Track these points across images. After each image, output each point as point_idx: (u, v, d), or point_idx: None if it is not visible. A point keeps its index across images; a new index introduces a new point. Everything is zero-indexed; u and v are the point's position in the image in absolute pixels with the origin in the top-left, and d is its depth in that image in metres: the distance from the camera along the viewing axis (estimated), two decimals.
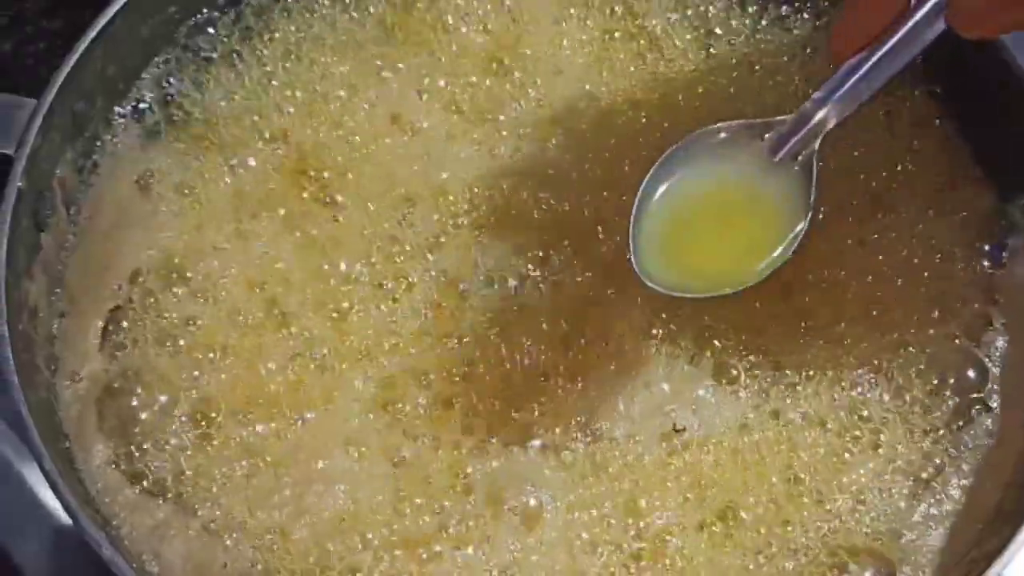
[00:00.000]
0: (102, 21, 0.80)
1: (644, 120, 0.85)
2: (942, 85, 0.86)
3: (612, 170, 0.84)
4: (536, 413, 0.78)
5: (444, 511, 0.75)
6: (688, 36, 0.88)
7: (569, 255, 0.82)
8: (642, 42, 0.88)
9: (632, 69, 0.87)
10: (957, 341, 0.81)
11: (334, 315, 0.80)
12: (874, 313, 0.81)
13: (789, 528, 0.76)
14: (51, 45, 1.00)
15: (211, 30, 0.88)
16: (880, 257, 0.82)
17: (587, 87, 0.87)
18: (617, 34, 0.88)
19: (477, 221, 0.83)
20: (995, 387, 0.80)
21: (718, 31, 0.88)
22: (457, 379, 0.79)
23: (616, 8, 0.89)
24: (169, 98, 0.86)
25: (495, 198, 0.83)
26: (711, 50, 0.88)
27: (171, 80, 0.87)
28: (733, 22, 0.89)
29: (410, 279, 0.81)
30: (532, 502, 0.76)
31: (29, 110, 0.77)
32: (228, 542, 0.74)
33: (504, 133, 0.85)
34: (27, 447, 0.70)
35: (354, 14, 0.89)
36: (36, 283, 0.78)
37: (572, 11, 0.89)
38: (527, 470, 0.77)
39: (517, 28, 0.88)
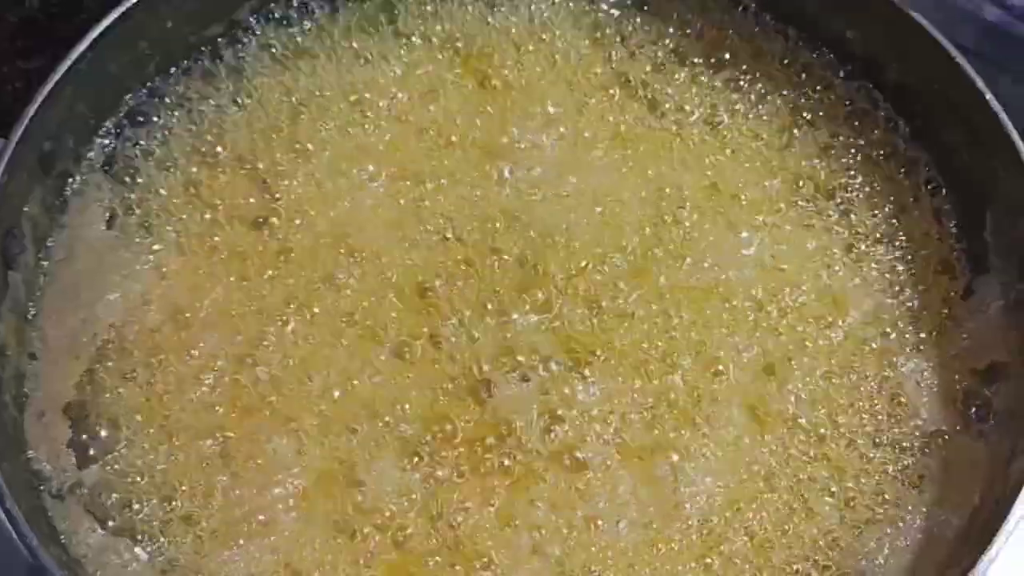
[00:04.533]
0: (69, 60, 0.80)
1: None
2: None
3: None
4: None
5: None
6: None
7: None
8: None
9: None
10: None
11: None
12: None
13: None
14: (28, 85, 1.00)
15: (181, 67, 0.88)
16: None
17: None
18: None
19: None
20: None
21: None
22: None
23: None
24: (139, 136, 0.87)
25: None
26: None
27: (141, 117, 0.87)
28: None
29: None
30: None
31: None
32: None
33: None
34: None
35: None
36: (4, 322, 0.77)
37: None
38: None
39: None
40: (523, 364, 0.79)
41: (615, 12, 0.92)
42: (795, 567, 0.75)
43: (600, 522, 0.76)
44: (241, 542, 0.75)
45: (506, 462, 0.77)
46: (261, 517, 0.76)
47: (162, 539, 0.75)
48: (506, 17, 0.91)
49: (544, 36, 0.91)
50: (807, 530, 0.76)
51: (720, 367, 0.80)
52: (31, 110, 0.78)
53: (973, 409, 0.79)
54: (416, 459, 0.77)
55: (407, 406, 0.78)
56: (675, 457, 0.78)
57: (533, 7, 0.91)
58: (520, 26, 0.91)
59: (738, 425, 0.79)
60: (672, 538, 0.75)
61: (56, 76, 0.80)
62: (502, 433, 0.77)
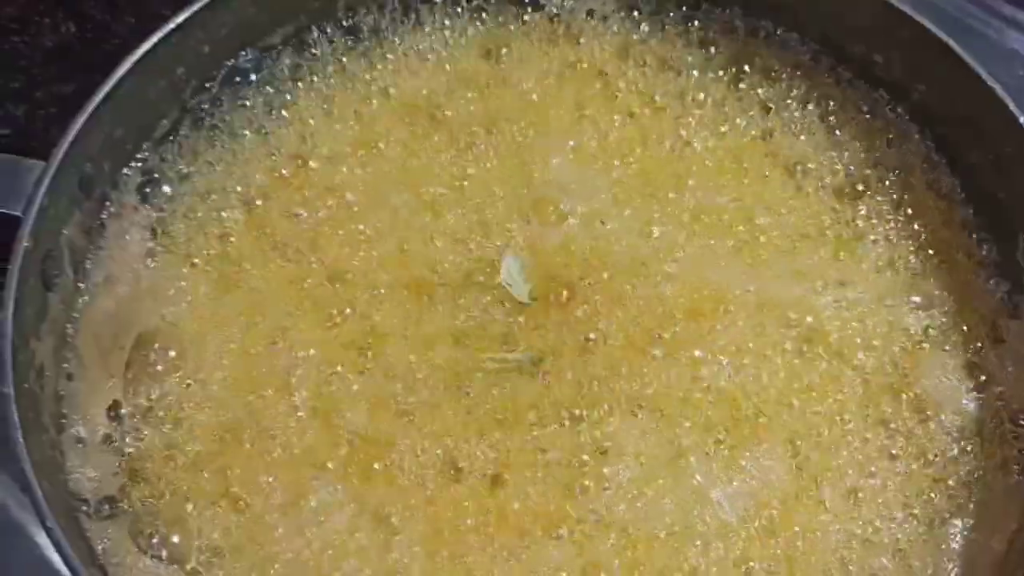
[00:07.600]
0: (109, 84, 0.81)
1: None
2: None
3: None
4: None
5: None
6: None
7: None
8: None
9: None
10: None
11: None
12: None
13: None
14: (63, 109, 1.01)
15: (216, 92, 0.89)
16: None
17: None
18: None
19: None
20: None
21: None
22: None
23: None
24: (175, 160, 0.87)
25: None
26: None
27: (177, 142, 0.88)
28: None
29: None
30: None
31: (37, 172, 0.78)
32: None
33: None
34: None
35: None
36: (43, 343, 0.78)
37: None
38: None
39: None
40: None
41: None
42: None
43: None
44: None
45: None
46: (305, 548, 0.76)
47: (200, 566, 0.75)
48: None
49: None
50: (843, 555, 0.76)
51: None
52: (71, 134, 0.79)
53: (1010, 437, 0.80)
54: None
55: None
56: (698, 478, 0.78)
57: None
58: None
59: (775, 454, 0.79)
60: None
61: (96, 100, 0.80)
62: None
